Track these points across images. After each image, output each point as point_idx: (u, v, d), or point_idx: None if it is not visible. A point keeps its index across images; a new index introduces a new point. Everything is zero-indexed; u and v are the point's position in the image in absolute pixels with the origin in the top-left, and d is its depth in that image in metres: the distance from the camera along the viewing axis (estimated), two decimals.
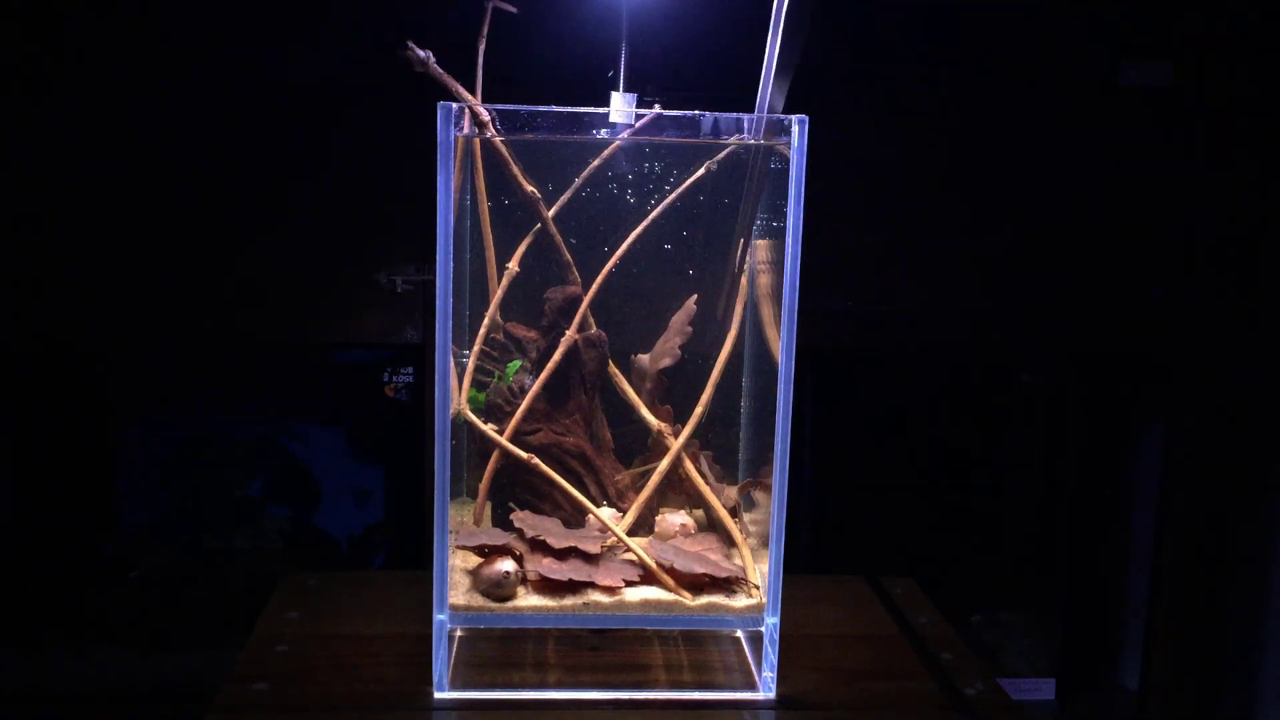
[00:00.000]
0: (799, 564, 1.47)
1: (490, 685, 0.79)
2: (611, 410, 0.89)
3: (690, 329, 0.86)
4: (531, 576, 0.79)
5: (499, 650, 0.84)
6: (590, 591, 0.78)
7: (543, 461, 0.83)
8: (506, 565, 0.78)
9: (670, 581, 0.79)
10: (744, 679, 0.81)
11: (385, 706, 0.77)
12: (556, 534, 0.81)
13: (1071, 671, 1.49)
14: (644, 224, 0.84)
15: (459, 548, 0.81)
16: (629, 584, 0.79)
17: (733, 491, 0.88)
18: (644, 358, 0.88)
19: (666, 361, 0.87)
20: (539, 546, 0.80)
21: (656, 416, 0.87)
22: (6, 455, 1.48)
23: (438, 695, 0.78)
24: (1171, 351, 1.37)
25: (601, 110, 0.75)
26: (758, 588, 0.80)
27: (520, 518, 0.82)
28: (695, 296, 0.86)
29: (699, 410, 0.86)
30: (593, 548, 0.80)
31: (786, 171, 0.73)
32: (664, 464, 0.85)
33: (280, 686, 0.79)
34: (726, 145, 0.81)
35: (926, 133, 1.30)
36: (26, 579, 1.47)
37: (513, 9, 0.81)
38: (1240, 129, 1.31)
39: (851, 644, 0.89)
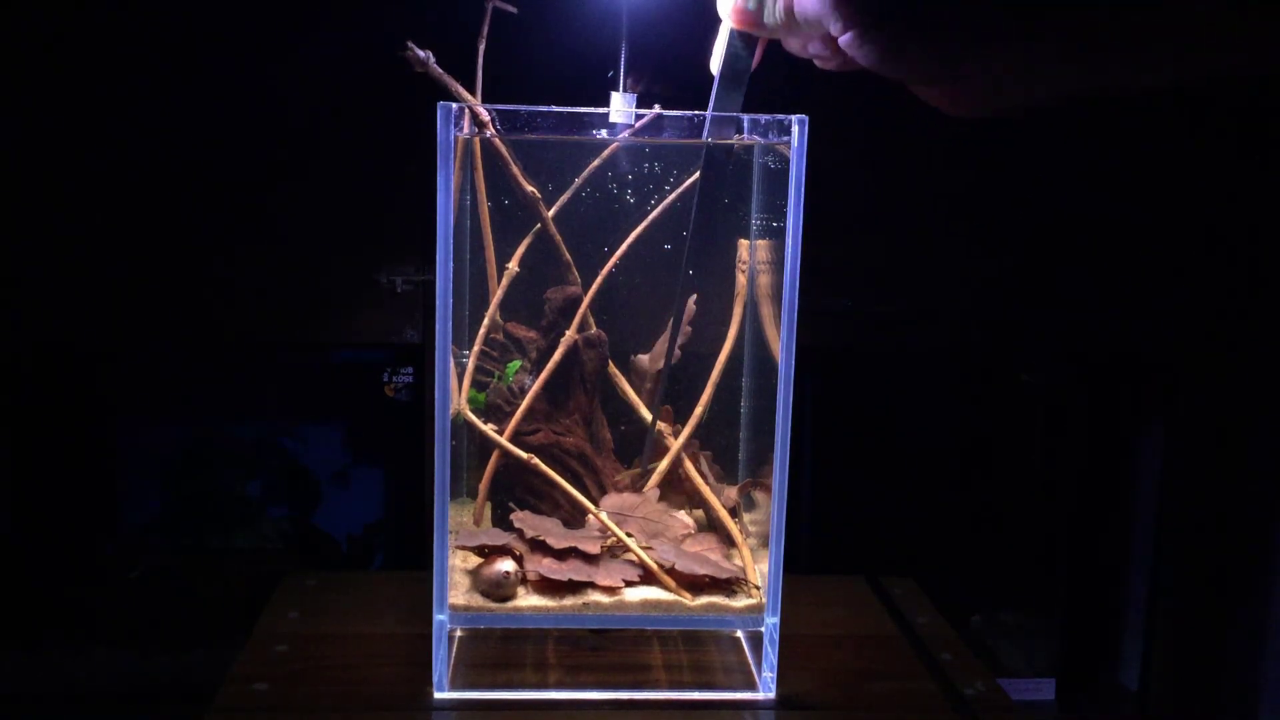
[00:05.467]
0: (799, 564, 1.47)
1: (490, 685, 0.79)
2: (612, 410, 0.89)
3: (690, 329, 0.86)
4: (531, 576, 0.79)
5: (499, 650, 0.84)
6: (590, 591, 0.78)
7: (542, 461, 0.83)
8: (506, 565, 0.78)
9: (670, 582, 0.79)
10: (744, 679, 0.81)
11: (385, 706, 0.77)
12: (556, 534, 0.81)
13: (1071, 671, 1.49)
14: (644, 224, 0.84)
15: (459, 548, 0.81)
16: (629, 584, 0.79)
17: (733, 491, 0.88)
18: (644, 358, 0.88)
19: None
20: (539, 546, 0.80)
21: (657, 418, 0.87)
22: (6, 455, 1.47)
23: (438, 695, 0.78)
24: (1171, 351, 1.37)
25: (601, 110, 0.75)
26: (758, 588, 0.80)
27: (520, 518, 0.82)
28: (695, 296, 0.86)
29: (699, 410, 0.86)
30: (593, 548, 0.80)
31: (786, 171, 0.73)
32: (664, 464, 0.85)
33: (280, 686, 0.79)
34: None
35: (927, 132, 1.30)
36: (26, 579, 1.47)
37: (513, 9, 0.81)
38: (1240, 130, 1.31)
39: (851, 644, 0.89)
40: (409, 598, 0.94)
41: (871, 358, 1.47)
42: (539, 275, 0.85)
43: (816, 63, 0.54)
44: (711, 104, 0.66)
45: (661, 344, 0.88)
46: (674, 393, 0.88)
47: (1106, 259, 1.34)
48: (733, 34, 0.61)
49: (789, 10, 0.50)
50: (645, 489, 0.86)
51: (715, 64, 0.63)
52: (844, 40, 0.46)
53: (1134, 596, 1.48)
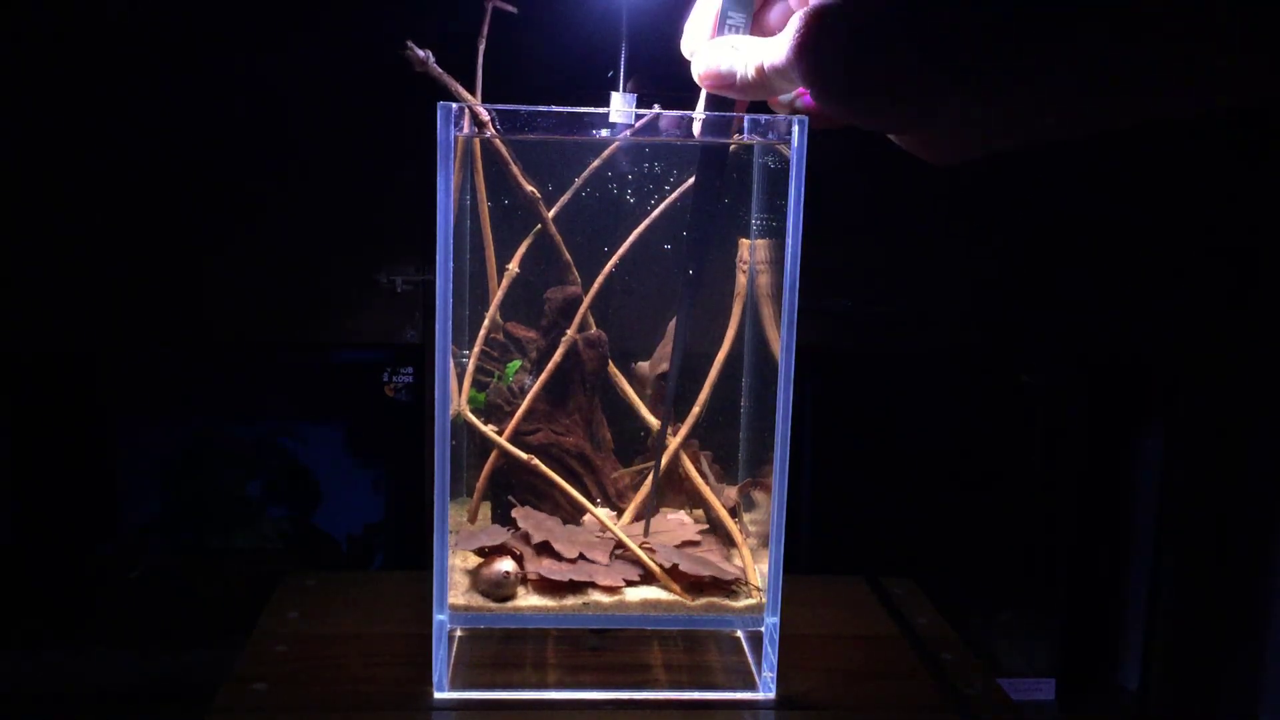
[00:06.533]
0: (799, 564, 1.47)
1: (490, 685, 0.79)
2: (612, 410, 0.89)
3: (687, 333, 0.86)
4: (531, 577, 0.79)
5: (499, 650, 0.84)
6: (591, 591, 0.78)
7: (542, 461, 0.83)
8: (506, 565, 0.78)
9: (672, 582, 0.79)
10: (744, 679, 0.81)
11: (385, 706, 0.77)
12: (561, 536, 0.81)
13: (1071, 671, 1.49)
14: (644, 224, 0.84)
15: (458, 549, 0.81)
16: (630, 584, 0.79)
17: (733, 491, 0.88)
18: (644, 365, 0.88)
19: (664, 366, 0.87)
20: (542, 548, 0.80)
21: (656, 417, 0.87)
22: (6, 455, 1.48)
23: (438, 695, 0.78)
24: (1171, 352, 1.37)
25: (601, 110, 0.75)
26: (759, 589, 0.80)
27: (522, 514, 0.82)
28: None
29: (695, 409, 0.86)
30: (601, 556, 0.79)
31: (786, 171, 0.73)
32: (661, 462, 0.85)
33: (280, 686, 0.79)
34: (727, 145, 0.81)
35: None
36: (26, 579, 1.47)
37: (513, 9, 0.81)
38: (1240, 132, 1.31)
39: (851, 644, 0.89)
40: (409, 598, 0.93)
41: (871, 358, 1.47)
42: (539, 275, 0.85)
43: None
44: (697, 172, 0.66)
45: (660, 349, 0.88)
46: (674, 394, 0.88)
47: (1106, 260, 1.34)
48: (709, 100, 0.61)
49: (760, 70, 0.50)
50: (640, 491, 0.86)
51: (698, 128, 0.63)
52: (812, 95, 0.46)
53: (1134, 596, 1.48)
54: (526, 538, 0.81)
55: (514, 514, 0.82)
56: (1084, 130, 0.48)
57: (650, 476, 0.86)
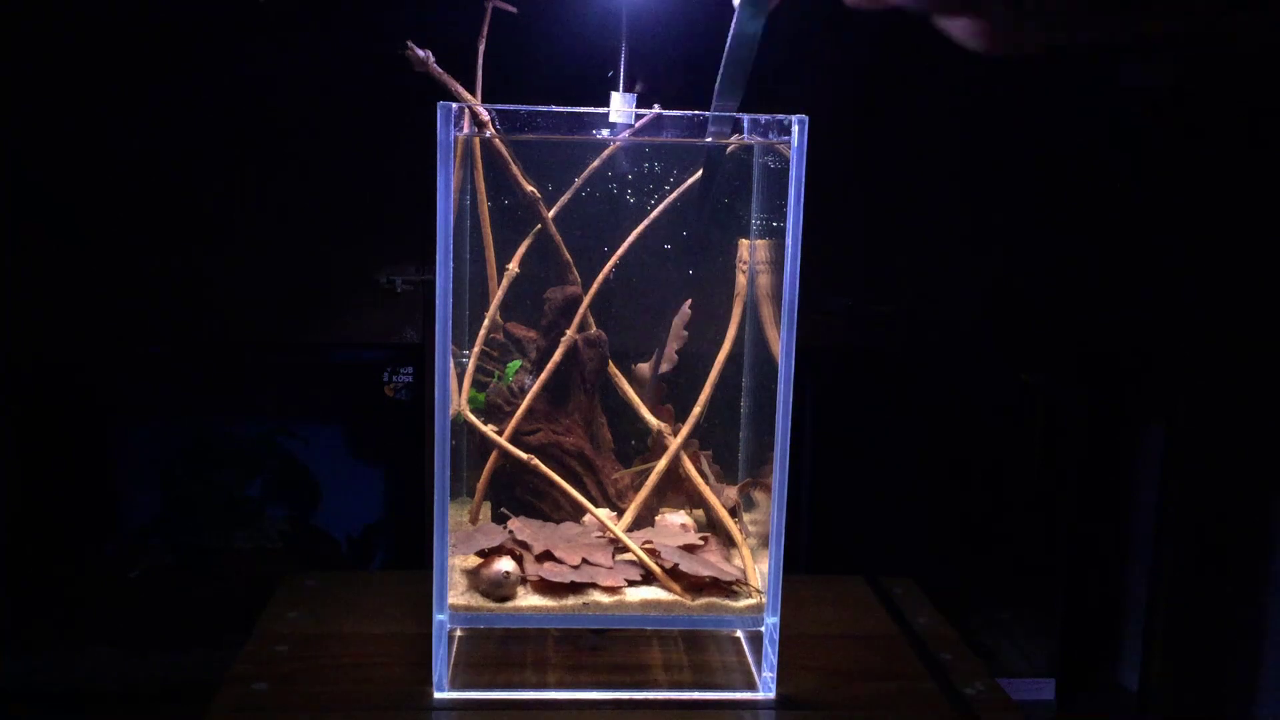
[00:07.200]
0: (799, 564, 1.47)
1: (490, 685, 0.79)
2: (612, 410, 0.89)
3: (686, 333, 0.86)
4: (531, 577, 0.79)
5: (499, 650, 0.84)
6: (591, 591, 0.78)
7: (542, 461, 0.83)
8: (506, 565, 0.78)
9: (671, 582, 0.79)
10: (744, 679, 0.81)
11: (385, 706, 0.77)
12: (561, 543, 0.81)
13: (1071, 671, 1.49)
14: (644, 224, 0.84)
15: (457, 550, 0.81)
16: (631, 584, 0.79)
17: (733, 491, 0.88)
18: (644, 366, 0.88)
19: (664, 367, 0.87)
20: (544, 557, 0.80)
21: (657, 417, 0.87)
22: (6, 456, 1.47)
23: (438, 695, 0.78)
24: (1171, 351, 1.37)
25: (601, 110, 0.75)
26: (760, 591, 0.80)
27: (518, 525, 0.82)
28: (690, 300, 0.86)
29: (697, 410, 0.86)
30: (604, 559, 0.79)
31: (786, 171, 0.73)
32: (661, 463, 0.85)
33: (280, 686, 0.79)
34: (727, 145, 0.81)
35: (927, 131, 1.31)
36: (26, 579, 1.47)
37: (513, 9, 0.81)
38: (1241, 128, 1.31)
39: (851, 644, 0.89)
40: (409, 598, 0.94)
41: (871, 358, 1.47)
42: (539, 275, 0.85)
43: (847, 2, 0.53)
44: (725, 59, 0.65)
45: (661, 350, 0.88)
46: (673, 392, 0.88)
47: (1107, 258, 1.34)
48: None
49: None
50: (641, 491, 0.86)
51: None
52: None
53: (1134, 596, 1.48)
54: (526, 546, 0.81)
55: (509, 525, 0.82)
56: (1137, 28, 0.46)
57: (653, 476, 0.86)
